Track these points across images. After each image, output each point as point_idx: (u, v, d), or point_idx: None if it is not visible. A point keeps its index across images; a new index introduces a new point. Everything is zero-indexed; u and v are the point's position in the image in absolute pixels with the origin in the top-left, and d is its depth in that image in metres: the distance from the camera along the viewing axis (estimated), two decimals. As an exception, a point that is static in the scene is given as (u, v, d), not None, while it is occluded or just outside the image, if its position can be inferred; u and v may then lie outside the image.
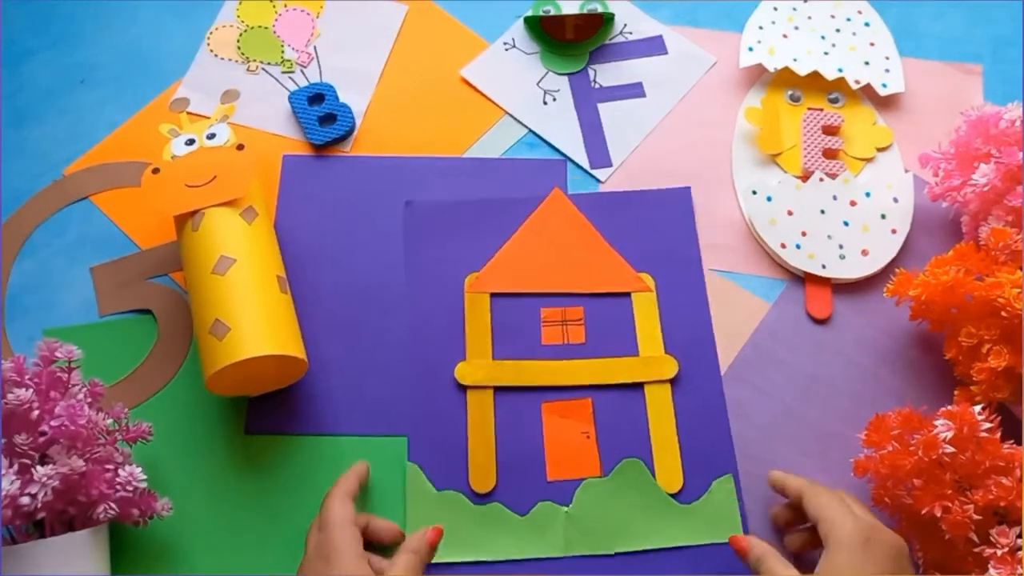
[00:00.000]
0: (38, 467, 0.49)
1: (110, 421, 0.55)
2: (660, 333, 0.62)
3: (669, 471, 0.57)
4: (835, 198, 0.66)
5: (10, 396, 0.50)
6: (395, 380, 0.61)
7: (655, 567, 0.55)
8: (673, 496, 0.57)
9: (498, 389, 0.60)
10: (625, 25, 0.76)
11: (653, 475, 0.57)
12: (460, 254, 0.64)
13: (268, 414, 0.60)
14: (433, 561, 0.55)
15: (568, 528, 0.56)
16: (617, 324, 0.62)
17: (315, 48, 0.75)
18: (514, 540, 0.56)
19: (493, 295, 0.63)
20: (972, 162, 0.62)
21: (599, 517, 0.56)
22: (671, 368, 0.60)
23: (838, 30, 0.74)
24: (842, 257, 0.64)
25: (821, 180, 0.67)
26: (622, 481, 0.57)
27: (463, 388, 0.60)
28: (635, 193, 0.67)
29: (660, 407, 0.59)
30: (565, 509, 0.56)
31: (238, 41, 0.75)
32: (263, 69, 0.74)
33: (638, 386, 0.60)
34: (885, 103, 0.72)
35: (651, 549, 0.55)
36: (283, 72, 0.74)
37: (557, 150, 0.70)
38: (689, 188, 0.67)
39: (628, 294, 0.63)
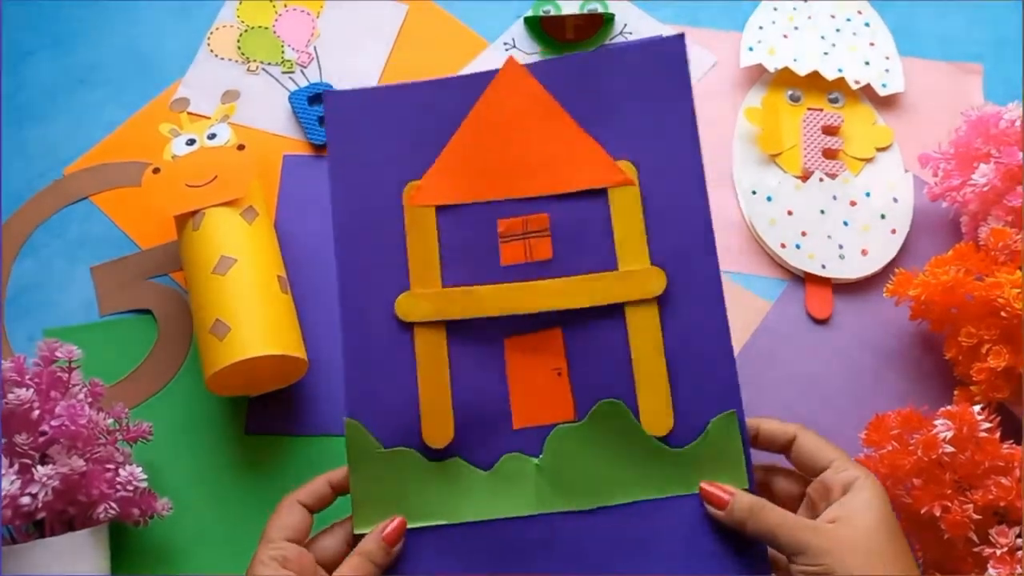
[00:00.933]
0: (38, 467, 0.49)
1: (110, 421, 0.55)
2: (645, 239, 0.49)
3: (656, 410, 0.47)
4: (835, 198, 0.66)
5: (10, 396, 0.50)
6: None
7: (642, 522, 0.47)
8: (661, 440, 0.47)
9: (450, 324, 0.49)
10: (625, 25, 0.76)
11: (637, 416, 0.47)
12: (395, 157, 0.51)
13: (268, 414, 0.61)
14: None
15: (539, 483, 0.47)
16: (590, 231, 0.49)
17: (315, 48, 0.75)
18: (477, 500, 0.47)
19: (439, 208, 0.50)
20: (972, 162, 0.62)
21: (574, 468, 0.47)
22: (658, 283, 0.48)
23: (838, 30, 0.74)
24: (842, 257, 0.64)
25: (821, 180, 0.67)
26: (600, 425, 0.48)
27: (408, 325, 0.49)
28: (611, 51, 0.52)
29: (644, 333, 0.48)
30: (535, 461, 0.48)
31: (238, 41, 0.75)
32: (263, 69, 0.74)
33: (618, 308, 0.48)
34: (885, 103, 0.72)
35: (636, 502, 0.47)
36: (283, 72, 0.74)
37: (557, 150, 0.70)
38: (683, 37, 0.51)
39: (603, 191, 0.49)
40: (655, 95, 0.50)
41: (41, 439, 0.51)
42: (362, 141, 0.51)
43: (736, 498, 0.45)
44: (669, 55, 0.50)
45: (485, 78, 0.51)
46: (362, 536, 0.47)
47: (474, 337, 0.49)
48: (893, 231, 0.65)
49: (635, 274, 0.48)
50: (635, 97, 0.50)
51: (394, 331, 0.49)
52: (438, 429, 0.48)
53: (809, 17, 0.75)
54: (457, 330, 0.49)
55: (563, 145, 0.50)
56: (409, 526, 0.47)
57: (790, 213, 0.66)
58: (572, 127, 0.50)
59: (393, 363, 0.49)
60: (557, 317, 0.49)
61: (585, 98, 0.50)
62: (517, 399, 0.49)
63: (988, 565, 0.48)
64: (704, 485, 0.46)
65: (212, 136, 0.64)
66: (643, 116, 0.50)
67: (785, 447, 0.47)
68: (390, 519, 0.47)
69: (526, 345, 0.49)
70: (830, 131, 0.69)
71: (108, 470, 0.52)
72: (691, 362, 0.48)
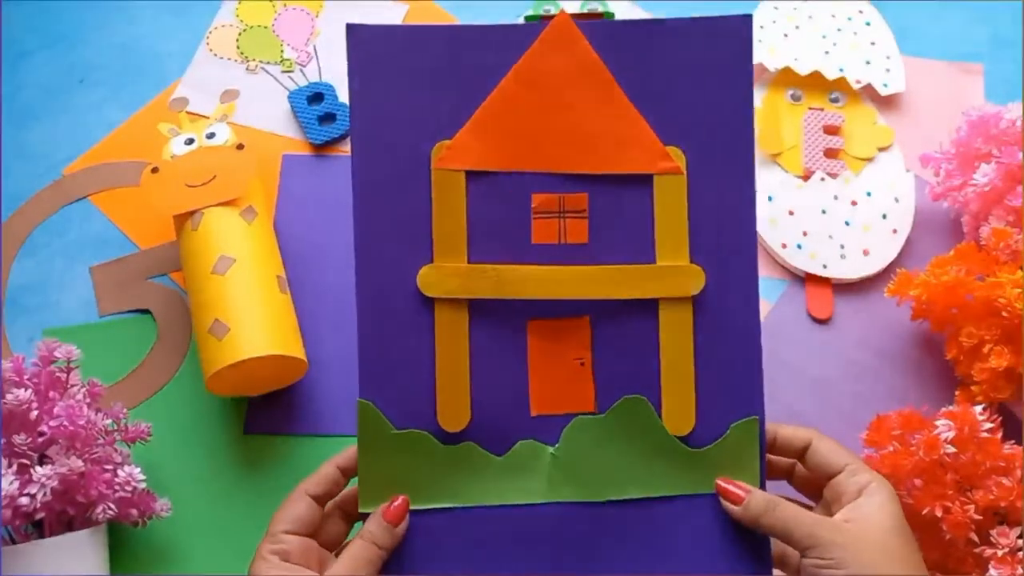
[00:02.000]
0: (37, 467, 0.49)
1: (109, 421, 0.54)
2: (687, 233, 0.46)
3: (679, 410, 0.46)
4: (836, 198, 0.66)
5: (9, 396, 0.50)
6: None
7: (652, 518, 0.46)
8: (681, 439, 0.46)
9: (472, 303, 0.46)
10: (625, 25, 0.76)
11: (659, 413, 0.46)
12: (425, 111, 0.46)
13: (268, 414, 0.60)
14: None
15: (553, 471, 0.46)
16: (629, 218, 0.46)
17: (315, 47, 0.75)
18: (488, 484, 0.46)
19: (470, 174, 0.46)
20: (973, 162, 0.62)
21: (590, 460, 0.46)
22: (696, 282, 0.46)
23: (839, 29, 0.74)
24: (843, 257, 0.64)
25: (822, 180, 0.67)
26: (620, 419, 0.46)
27: (429, 300, 0.46)
28: (672, 24, 0.47)
29: (677, 331, 0.46)
30: (550, 450, 0.46)
31: (237, 40, 0.75)
32: (262, 69, 0.74)
33: (651, 303, 0.46)
34: (886, 103, 0.71)
35: (648, 498, 0.46)
36: (283, 72, 0.74)
37: (557, 150, 0.69)
38: (750, 18, 0.46)
39: (649, 177, 0.46)
40: (713, 79, 0.46)
41: (40, 439, 0.51)
42: (388, 89, 0.46)
43: (752, 495, 0.45)
44: (734, 37, 0.46)
45: (532, 31, 0.46)
46: (363, 518, 0.46)
47: (496, 318, 0.46)
48: (894, 231, 0.65)
49: (673, 270, 0.46)
50: (691, 79, 0.46)
51: (414, 307, 0.46)
52: (454, 412, 0.46)
53: (810, 16, 0.75)
54: (479, 309, 0.46)
55: (611, 120, 0.46)
56: (415, 507, 0.46)
57: (791, 213, 0.66)
58: (622, 101, 0.46)
59: (411, 341, 0.46)
60: (586, 306, 0.47)
61: (638, 71, 0.46)
62: (536, 385, 0.47)
63: (989, 566, 0.48)
64: (720, 482, 0.46)
65: (211, 135, 0.64)
66: (698, 101, 0.46)
67: (800, 453, 0.47)
68: (393, 498, 0.45)
69: (550, 330, 0.47)
70: (831, 131, 0.69)
71: (107, 471, 0.52)
72: (719, 364, 0.47)
